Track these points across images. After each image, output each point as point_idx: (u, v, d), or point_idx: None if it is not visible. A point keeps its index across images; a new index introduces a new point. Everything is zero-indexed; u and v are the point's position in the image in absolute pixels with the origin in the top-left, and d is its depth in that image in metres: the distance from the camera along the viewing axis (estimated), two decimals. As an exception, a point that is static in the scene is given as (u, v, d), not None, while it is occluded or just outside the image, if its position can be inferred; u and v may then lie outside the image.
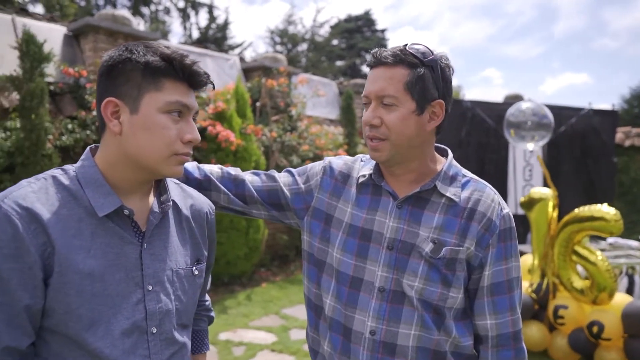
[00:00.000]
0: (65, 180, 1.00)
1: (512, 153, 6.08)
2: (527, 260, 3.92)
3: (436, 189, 1.20)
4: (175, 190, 1.17)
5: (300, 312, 4.84)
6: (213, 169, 1.35)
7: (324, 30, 24.54)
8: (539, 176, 6.11)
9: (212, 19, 21.65)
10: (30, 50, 4.00)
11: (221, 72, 6.90)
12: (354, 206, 1.25)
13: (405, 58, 1.13)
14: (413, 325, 1.16)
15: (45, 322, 0.96)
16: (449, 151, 1.29)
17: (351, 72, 26.74)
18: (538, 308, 3.68)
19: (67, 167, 1.04)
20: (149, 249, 1.04)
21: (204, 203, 1.23)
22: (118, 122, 0.99)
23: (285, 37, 23.72)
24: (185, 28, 21.47)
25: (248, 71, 7.20)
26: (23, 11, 5.03)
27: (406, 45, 1.17)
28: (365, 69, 28.11)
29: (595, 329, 3.24)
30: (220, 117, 5.50)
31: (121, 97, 0.99)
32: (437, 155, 1.28)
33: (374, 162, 1.25)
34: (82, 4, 17.60)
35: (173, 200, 1.12)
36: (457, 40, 57.60)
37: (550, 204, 3.53)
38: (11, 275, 0.90)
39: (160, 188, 1.11)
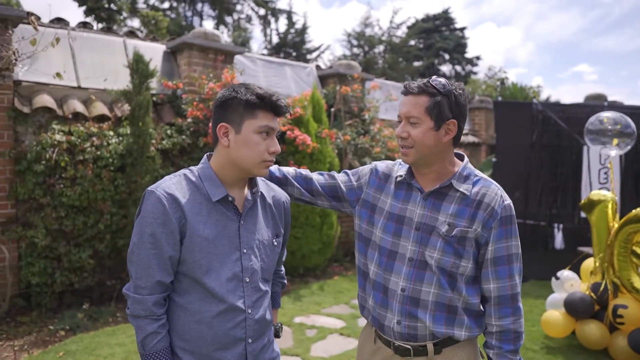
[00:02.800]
0: (191, 177, 1.51)
1: (587, 156, 6.00)
2: (590, 263, 3.99)
3: (452, 186, 1.59)
4: (262, 185, 1.65)
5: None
6: (289, 170, 1.84)
7: (401, 31, 24.55)
8: (615, 179, 5.98)
9: (290, 24, 22.45)
10: (139, 68, 4.70)
11: (299, 80, 7.41)
12: (393, 198, 1.68)
13: (426, 89, 1.54)
14: (432, 285, 1.57)
15: (179, 267, 1.45)
16: (465, 156, 1.70)
17: (429, 73, 26.50)
18: (599, 308, 3.75)
19: (192, 168, 1.55)
20: (244, 224, 1.52)
21: (282, 194, 1.71)
22: (227, 139, 1.48)
23: (362, 40, 24.01)
24: (265, 34, 22.42)
25: (324, 78, 7.65)
26: (131, 33, 5.82)
27: (430, 79, 1.57)
28: (443, 68, 27.74)
29: (655, 329, 3.29)
30: (298, 122, 5.98)
31: (229, 122, 1.48)
32: (456, 160, 1.68)
33: (408, 165, 1.67)
34: (174, 16, 19.05)
35: (260, 192, 1.60)
36: (544, 35, 54.66)
37: (610, 206, 3.60)
38: (161, 236, 1.40)
39: (252, 183, 1.59)
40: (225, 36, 22.62)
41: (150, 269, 1.40)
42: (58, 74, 4.39)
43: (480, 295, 1.62)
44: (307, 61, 11.67)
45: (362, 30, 23.99)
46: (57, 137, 4.39)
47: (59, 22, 5.20)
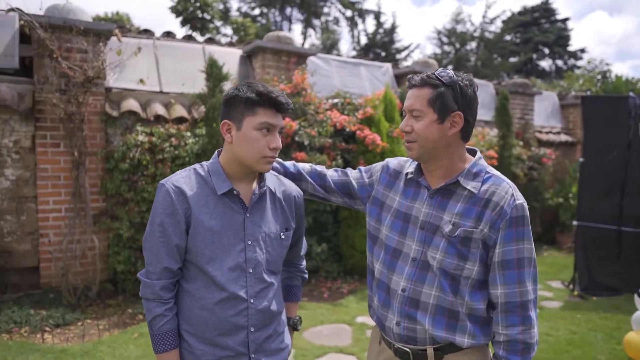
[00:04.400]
0: (201, 171, 1.59)
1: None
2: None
3: (459, 183, 1.50)
4: (273, 179, 1.70)
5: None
6: (305, 166, 1.84)
7: (495, 26, 23.38)
8: None
9: (379, 24, 22.36)
10: (213, 72, 4.98)
11: (374, 80, 7.38)
12: (401, 196, 1.63)
13: (429, 80, 1.47)
14: (434, 287, 1.50)
15: (186, 256, 1.55)
16: (478, 152, 1.60)
17: (527, 69, 24.94)
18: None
19: (204, 163, 1.63)
20: (250, 217, 1.58)
21: (293, 189, 1.74)
22: (230, 136, 1.55)
23: (452, 37, 23.25)
24: (352, 36, 22.54)
25: (400, 77, 7.54)
26: (210, 40, 6.19)
27: (436, 71, 1.50)
28: (543, 64, 25.98)
29: None
30: (369, 121, 5.96)
31: (231, 119, 1.54)
32: (468, 156, 1.58)
33: (416, 162, 1.62)
34: (264, 22, 19.83)
35: (268, 186, 1.64)
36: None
37: None
38: (169, 225, 1.51)
39: (260, 177, 1.64)
40: (313, 39, 23.12)
41: (159, 256, 1.51)
42: (141, 80, 4.79)
43: (486, 300, 1.51)
44: (396, 61, 11.56)
45: (452, 27, 23.22)
46: (140, 137, 4.78)
47: (146, 32, 5.66)
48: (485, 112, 8.31)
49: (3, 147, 4.55)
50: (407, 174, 1.64)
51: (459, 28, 23.13)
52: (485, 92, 8.50)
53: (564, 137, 9.14)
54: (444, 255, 1.48)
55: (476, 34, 22.76)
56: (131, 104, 4.98)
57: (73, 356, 3.56)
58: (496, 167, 7.26)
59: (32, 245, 4.69)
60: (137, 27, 6.54)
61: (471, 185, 1.49)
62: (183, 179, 1.54)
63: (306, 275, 1.93)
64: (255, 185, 1.62)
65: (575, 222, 5.82)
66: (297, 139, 5.25)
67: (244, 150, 1.52)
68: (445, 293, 1.48)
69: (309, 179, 1.81)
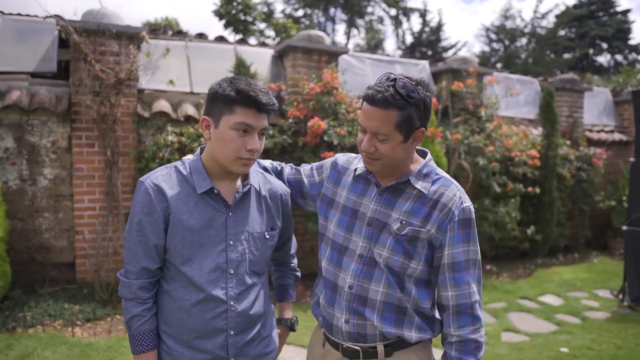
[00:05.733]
0: (182, 169, 1.54)
1: None
2: None
3: (410, 183, 1.51)
4: (259, 177, 1.63)
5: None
6: (266, 162, 1.79)
7: (548, 21, 22.40)
8: None
9: (424, 22, 21.94)
10: (240, 72, 5.00)
11: (410, 77, 7.19)
12: (349, 192, 1.61)
13: (395, 102, 1.37)
14: (381, 284, 1.49)
15: (165, 256, 1.50)
16: (428, 153, 1.60)
17: (582, 66, 23.72)
18: None
19: (185, 159, 1.58)
20: (233, 216, 1.52)
21: (280, 187, 1.68)
22: (208, 133, 1.49)
23: (502, 33, 22.46)
24: (397, 35, 22.24)
25: (437, 74, 7.32)
26: (242, 41, 6.23)
27: (394, 82, 1.39)
28: (600, 59, 24.62)
29: None
30: (401, 120, 5.80)
31: (211, 116, 1.48)
32: (417, 157, 1.58)
33: None
34: (307, 22, 19.89)
35: (252, 185, 1.58)
36: None
37: None
38: (147, 224, 1.46)
39: (244, 176, 1.58)
40: (357, 39, 22.99)
41: (137, 256, 1.47)
42: (171, 81, 4.88)
43: (432, 300, 1.55)
44: (442, 60, 11.24)
45: (502, 24, 22.44)
46: (170, 138, 4.86)
47: (179, 34, 5.77)
48: (529, 109, 7.93)
49: (42, 147, 4.74)
50: (355, 169, 1.62)
51: (509, 24, 22.31)
52: (530, 88, 8.12)
53: (617, 136, 8.58)
54: (391, 252, 1.48)
55: (527, 30, 21.88)
56: (162, 105, 5.07)
57: (97, 350, 3.65)
58: (539, 168, 6.93)
59: (69, 242, 4.87)
60: (185, 31, 6.69)
61: (421, 185, 1.50)
62: (162, 177, 1.50)
63: (298, 274, 1.87)
64: (239, 183, 1.56)
65: (624, 227, 5.42)
66: (326, 138, 5.18)
67: (219, 150, 1.46)
68: (393, 289, 1.49)
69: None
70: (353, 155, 1.72)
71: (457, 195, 1.48)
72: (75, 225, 4.81)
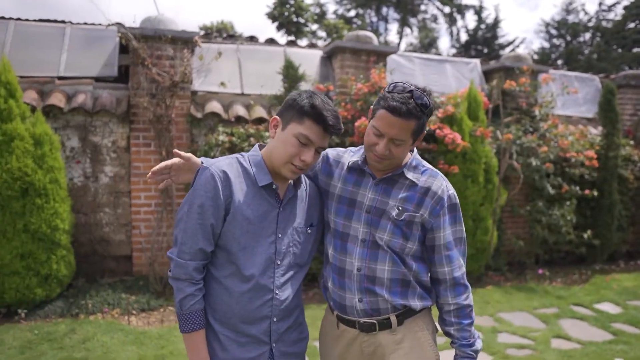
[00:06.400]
0: (243, 162, 1.65)
1: None
2: None
3: (403, 174, 1.70)
4: (304, 178, 1.76)
5: (518, 318, 4.70)
6: None
7: (615, 14, 21.17)
8: None
9: (480, 20, 21.37)
10: (289, 74, 5.12)
11: (461, 77, 7.07)
12: (343, 182, 1.76)
13: (415, 113, 1.57)
14: (386, 263, 1.68)
15: (219, 241, 1.58)
16: (415, 148, 1.76)
17: (653, 60, 22.26)
18: None
19: (244, 154, 1.69)
20: (283, 211, 1.65)
21: (317, 188, 1.80)
22: (274, 131, 1.62)
23: (563, 28, 21.48)
24: (451, 33, 21.78)
25: (489, 73, 7.14)
26: (292, 43, 6.36)
27: (411, 93, 1.56)
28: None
29: None
30: (450, 120, 5.72)
31: (281, 118, 1.61)
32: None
33: (362, 153, 1.73)
34: (359, 23, 19.88)
35: (302, 183, 1.72)
36: None
37: None
38: (208, 208, 1.54)
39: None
40: (410, 38, 22.72)
41: (196, 237, 1.54)
42: (223, 83, 5.07)
43: (428, 272, 1.75)
44: (499, 58, 10.93)
45: (563, 18, 21.46)
46: (221, 137, 5.05)
47: (231, 38, 5.97)
48: (588, 108, 7.58)
49: (103, 147, 5.07)
50: (349, 162, 1.76)
51: (571, 19, 21.30)
52: (589, 86, 7.76)
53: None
54: (391, 236, 1.67)
55: (591, 24, 20.79)
56: (214, 106, 5.28)
57: (150, 338, 3.87)
58: (598, 169, 6.61)
59: (126, 236, 5.17)
60: (239, 34, 6.91)
61: (412, 176, 1.70)
62: (227, 166, 1.58)
63: None
64: (290, 182, 1.68)
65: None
66: (372, 138, 5.19)
67: (277, 150, 1.58)
68: (397, 266, 1.68)
69: None
70: (342, 149, 1.87)
71: (444, 185, 1.70)
72: (132, 220, 5.11)
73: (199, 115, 5.21)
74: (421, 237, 1.71)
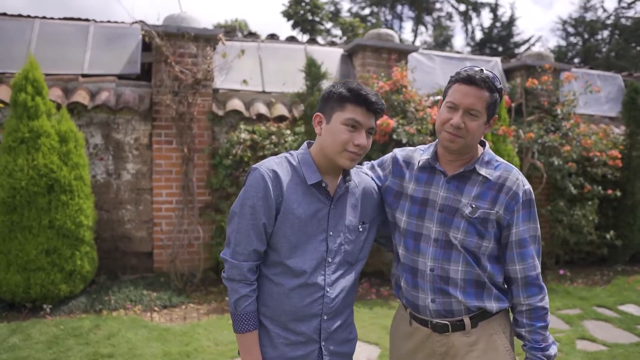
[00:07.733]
0: (292, 160, 1.64)
1: None
2: None
3: (475, 170, 1.66)
4: (355, 175, 1.74)
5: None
6: None
7: (635, 11, 20.84)
8: None
9: (495, 18, 21.16)
10: (311, 72, 5.10)
11: (481, 75, 6.99)
12: (415, 183, 1.74)
13: (489, 84, 1.59)
14: (460, 263, 1.64)
15: (269, 240, 1.58)
16: (486, 142, 1.74)
17: (673, 58, 21.87)
18: None
19: (293, 152, 1.69)
20: (334, 209, 1.63)
21: (371, 185, 1.78)
22: (320, 128, 1.61)
23: (580, 26, 21.18)
24: (466, 31, 21.60)
25: (510, 71, 7.07)
26: (312, 41, 6.34)
27: (482, 69, 1.60)
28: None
29: None
30: (471, 118, 5.67)
31: (323, 113, 1.61)
32: (478, 145, 1.72)
33: (432, 150, 1.74)
34: (374, 21, 19.80)
35: (353, 180, 1.70)
36: None
37: None
38: (260, 208, 1.54)
39: (345, 172, 1.67)
40: (424, 36, 22.58)
41: (249, 238, 1.54)
42: (244, 81, 5.07)
43: (503, 275, 1.69)
44: (514, 56, 10.82)
45: (580, 16, 21.16)
46: (243, 135, 5.06)
47: (251, 36, 5.98)
48: (610, 107, 7.48)
49: (126, 144, 5.10)
50: (419, 161, 1.75)
51: (588, 16, 20.99)
52: (612, 84, 7.65)
53: None
54: (465, 234, 1.63)
55: (609, 21, 20.48)
56: (235, 104, 5.28)
57: (173, 335, 3.88)
58: (622, 170, 6.50)
59: (147, 233, 5.20)
60: (255, 32, 6.94)
61: (485, 172, 1.65)
62: (277, 165, 1.59)
63: None
64: (340, 178, 1.66)
65: None
66: (395, 137, 5.16)
67: (328, 143, 1.57)
68: (471, 267, 1.64)
69: None
70: (411, 149, 1.85)
71: (520, 179, 1.65)
72: (154, 217, 5.13)
73: (220, 112, 5.22)
74: (497, 234, 1.65)
